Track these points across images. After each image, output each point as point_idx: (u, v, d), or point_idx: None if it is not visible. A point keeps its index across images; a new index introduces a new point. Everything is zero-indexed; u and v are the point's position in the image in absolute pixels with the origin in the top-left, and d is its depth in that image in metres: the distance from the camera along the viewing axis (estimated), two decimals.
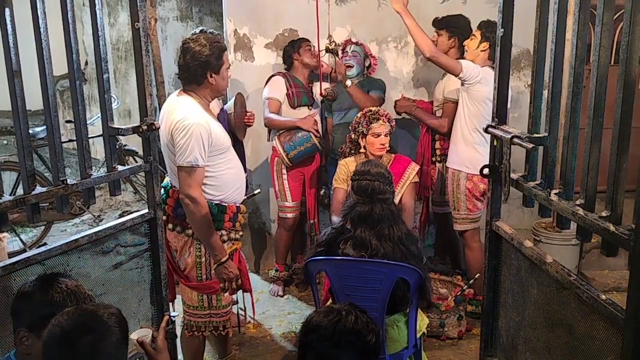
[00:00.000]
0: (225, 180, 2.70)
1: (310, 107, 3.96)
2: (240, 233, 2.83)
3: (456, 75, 3.48)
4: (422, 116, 3.91)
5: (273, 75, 3.98)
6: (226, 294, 2.78)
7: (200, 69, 2.61)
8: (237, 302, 3.24)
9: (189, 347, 2.92)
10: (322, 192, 4.07)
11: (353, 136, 3.52)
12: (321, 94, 3.95)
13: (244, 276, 2.90)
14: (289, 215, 4.03)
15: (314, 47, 3.91)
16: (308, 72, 3.99)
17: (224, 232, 2.71)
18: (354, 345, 1.66)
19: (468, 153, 3.56)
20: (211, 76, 2.63)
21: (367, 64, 4.05)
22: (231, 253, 2.75)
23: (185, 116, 2.53)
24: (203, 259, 2.71)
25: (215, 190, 2.67)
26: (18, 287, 1.81)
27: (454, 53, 3.75)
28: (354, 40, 4.05)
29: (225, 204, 2.71)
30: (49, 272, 1.87)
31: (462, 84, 3.51)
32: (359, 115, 3.50)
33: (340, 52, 4.04)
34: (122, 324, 1.55)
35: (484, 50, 3.53)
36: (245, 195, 2.93)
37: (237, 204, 2.78)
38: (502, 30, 2.35)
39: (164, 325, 1.86)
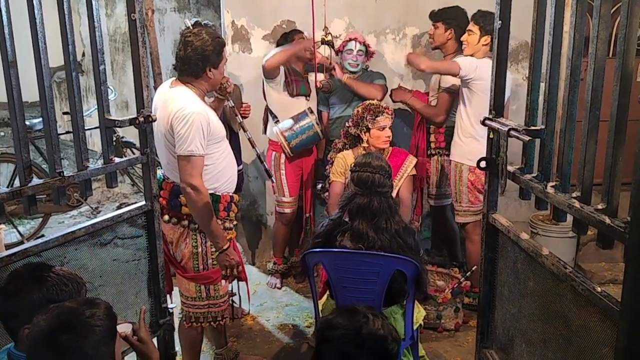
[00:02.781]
0: (219, 170, 2.70)
1: (308, 98, 3.95)
2: (234, 222, 2.84)
3: (455, 76, 3.49)
4: (417, 105, 3.91)
5: None
6: (223, 284, 2.79)
7: (201, 63, 2.61)
8: (234, 294, 3.24)
9: (187, 338, 2.93)
10: (318, 186, 4.07)
11: (353, 130, 3.51)
12: (317, 86, 3.94)
13: (241, 264, 2.91)
14: (287, 210, 4.04)
15: (307, 38, 3.90)
16: (303, 64, 3.98)
17: (219, 221, 2.72)
18: (376, 350, 1.68)
19: (470, 145, 3.55)
20: (210, 70, 2.65)
21: (365, 61, 4.02)
22: None
23: (184, 105, 2.53)
24: (200, 250, 2.71)
25: (210, 180, 2.66)
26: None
27: (452, 45, 3.75)
28: (360, 39, 3.93)
29: (220, 194, 2.71)
30: (25, 266, 1.84)
31: (462, 82, 3.51)
32: (360, 109, 3.47)
33: (337, 46, 4.02)
34: (106, 323, 1.53)
35: (485, 44, 3.51)
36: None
37: (231, 194, 2.79)
38: (500, 22, 2.34)
39: (143, 317, 1.86)
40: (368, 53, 3.99)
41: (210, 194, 2.66)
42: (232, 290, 3.00)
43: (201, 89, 2.68)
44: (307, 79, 3.98)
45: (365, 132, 3.44)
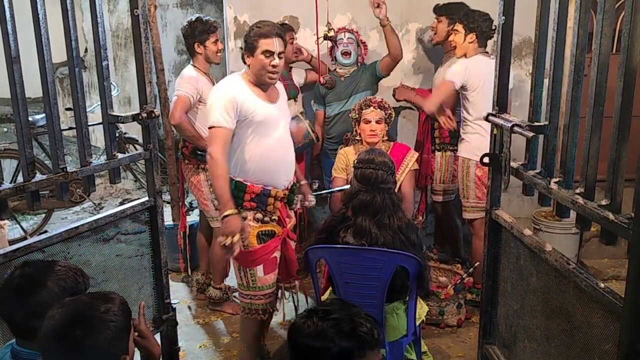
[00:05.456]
0: (246, 158, 2.70)
1: (295, 101, 3.94)
2: (274, 217, 2.80)
3: (456, 91, 3.54)
4: (422, 103, 3.90)
5: None
6: (259, 274, 2.80)
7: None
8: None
9: (242, 328, 3.01)
10: (315, 186, 4.06)
11: (353, 124, 3.56)
12: (320, 83, 3.94)
13: (291, 264, 2.92)
14: None
15: (296, 39, 3.95)
16: (287, 65, 3.95)
17: (247, 212, 2.73)
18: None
19: (477, 141, 3.55)
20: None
21: (359, 52, 4.02)
22: (262, 234, 2.76)
23: (217, 85, 2.78)
24: None
25: (235, 166, 2.72)
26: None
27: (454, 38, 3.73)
28: (347, 28, 4.01)
29: (246, 183, 2.71)
30: (33, 265, 1.80)
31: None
32: (357, 103, 3.54)
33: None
34: (121, 319, 1.52)
35: (471, 42, 3.53)
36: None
37: (266, 187, 2.74)
38: (504, 18, 2.34)
39: (142, 312, 1.87)
40: (359, 43, 3.99)
41: (235, 181, 2.71)
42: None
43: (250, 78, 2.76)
44: (293, 80, 3.98)
45: (357, 125, 3.49)
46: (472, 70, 3.45)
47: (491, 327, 2.61)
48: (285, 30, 3.87)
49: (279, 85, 2.92)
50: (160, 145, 2.72)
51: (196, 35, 3.55)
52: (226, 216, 2.59)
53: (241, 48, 2.81)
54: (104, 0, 6.39)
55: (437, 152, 3.99)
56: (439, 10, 3.84)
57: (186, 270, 4.12)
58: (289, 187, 2.86)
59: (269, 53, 2.65)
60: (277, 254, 2.85)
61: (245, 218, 2.73)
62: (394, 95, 3.97)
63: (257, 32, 2.68)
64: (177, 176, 4.08)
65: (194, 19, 3.61)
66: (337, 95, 3.96)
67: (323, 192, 3.59)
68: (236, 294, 3.38)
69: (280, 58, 2.68)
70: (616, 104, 1.64)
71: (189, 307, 3.89)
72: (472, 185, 3.63)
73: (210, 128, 2.63)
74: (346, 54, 3.92)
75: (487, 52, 3.59)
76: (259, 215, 2.76)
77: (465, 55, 3.57)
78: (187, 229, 4.02)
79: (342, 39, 3.94)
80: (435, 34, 3.89)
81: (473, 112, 3.53)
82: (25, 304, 1.66)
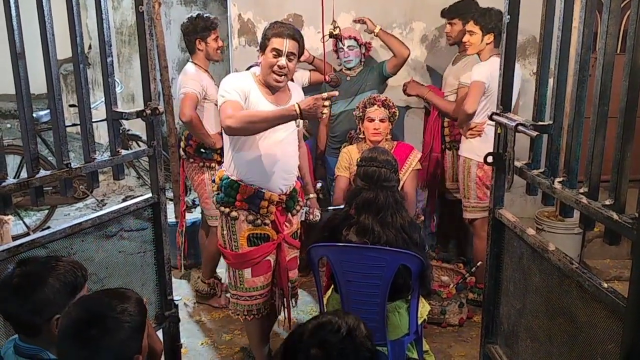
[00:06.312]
0: (242, 157, 2.71)
1: None
2: (266, 221, 2.80)
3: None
4: (435, 100, 3.86)
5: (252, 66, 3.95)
6: (247, 276, 2.82)
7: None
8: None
9: (246, 330, 3.06)
10: (318, 186, 4.07)
11: (357, 122, 3.56)
12: (325, 81, 3.94)
13: (282, 270, 2.89)
14: None
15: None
16: None
17: (241, 211, 2.75)
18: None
19: (479, 142, 3.55)
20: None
21: (363, 51, 4.01)
22: (253, 237, 2.77)
23: (226, 77, 2.75)
24: (225, 231, 2.82)
25: (231, 164, 2.74)
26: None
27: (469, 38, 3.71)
28: (346, 35, 3.91)
29: (240, 183, 2.73)
30: (32, 262, 1.80)
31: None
32: (361, 101, 3.54)
33: (330, 48, 4.02)
34: (136, 319, 1.53)
35: (489, 42, 3.49)
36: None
37: (260, 189, 2.74)
38: (509, 16, 2.33)
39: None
40: (361, 46, 3.96)
41: (230, 180, 2.74)
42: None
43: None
44: None
45: (361, 123, 3.49)
46: (494, 74, 3.41)
47: (493, 326, 2.61)
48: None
49: (295, 89, 2.91)
50: (164, 142, 2.72)
51: (198, 31, 3.55)
52: (299, 107, 2.44)
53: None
54: None
55: (447, 150, 3.98)
56: (448, 13, 3.80)
57: (182, 268, 4.14)
58: (288, 193, 2.85)
59: (276, 52, 2.65)
60: (270, 258, 2.86)
61: (237, 218, 2.76)
62: (404, 91, 3.95)
63: (270, 31, 2.69)
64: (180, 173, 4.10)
65: (194, 15, 3.63)
66: (342, 93, 3.95)
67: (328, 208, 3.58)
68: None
69: (290, 60, 2.67)
70: (621, 104, 1.64)
71: (192, 305, 3.90)
72: (472, 186, 3.62)
73: (221, 106, 2.61)
74: (348, 60, 3.92)
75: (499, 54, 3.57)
76: (251, 217, 2.77)
77: (479, 55, 3.54)
78: (184, 227, 4.03)
79: (343, 48, 3.90)
80: (450, 37, 3.86)
81: (478, 113, 3.51)
82: (28, 303, 1.67)
